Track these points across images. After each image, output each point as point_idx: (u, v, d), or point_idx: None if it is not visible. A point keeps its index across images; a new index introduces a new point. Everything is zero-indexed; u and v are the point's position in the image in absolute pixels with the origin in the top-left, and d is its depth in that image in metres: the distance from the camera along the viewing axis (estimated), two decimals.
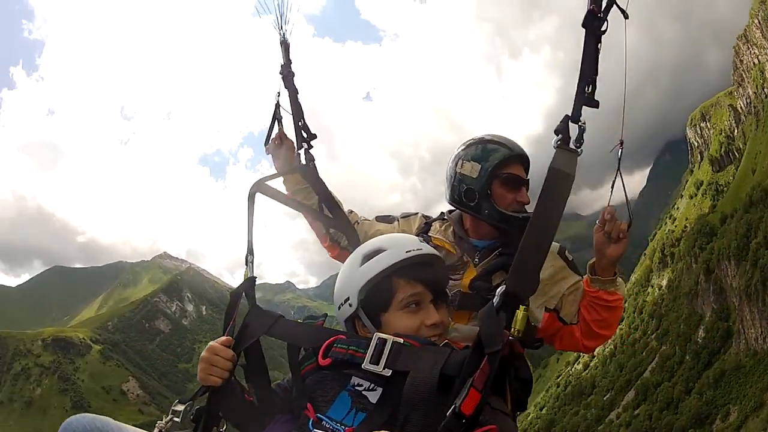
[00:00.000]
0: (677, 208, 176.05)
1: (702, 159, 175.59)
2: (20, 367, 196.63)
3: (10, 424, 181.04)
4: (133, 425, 1.89)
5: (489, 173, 2.50)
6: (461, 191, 2.58)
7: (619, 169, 1.94)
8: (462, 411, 1.40)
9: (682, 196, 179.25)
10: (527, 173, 2.62)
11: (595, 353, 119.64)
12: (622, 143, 1.92)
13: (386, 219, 2.92)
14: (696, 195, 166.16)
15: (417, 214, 2.89)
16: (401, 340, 1.64)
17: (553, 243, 1.93)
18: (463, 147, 2.62)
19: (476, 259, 2.54)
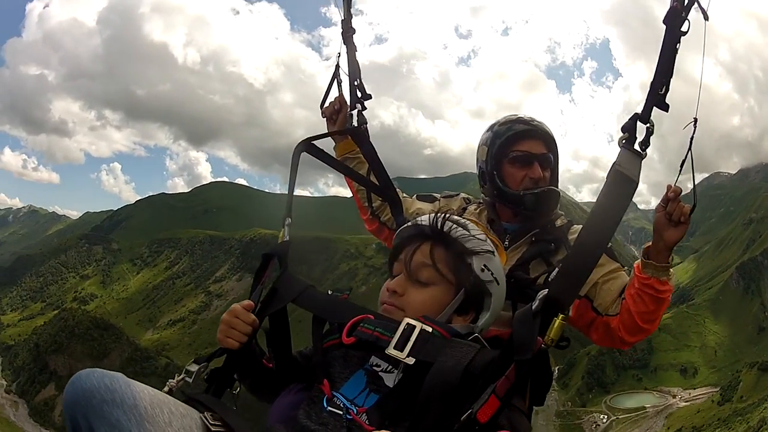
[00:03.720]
0: None
1: None
2: (347, 267, 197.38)
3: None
4: None
5: (495, 154, 2.55)
6: (478, 175, 2.67)
7: (690, 148, 1.79)
8: (477, 418, 1.36)
9: None
10: (549, 148, 2.57)
11: None
12: (695, 121, 1.78)
13: (427, 198, 2.93)
14: None
15: (459, 194, 2.92)
16: (430, 329, 1.58)
17: None
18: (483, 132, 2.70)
19: (506, 243, 2.54)
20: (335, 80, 2.87)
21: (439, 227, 1.82)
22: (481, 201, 2.78)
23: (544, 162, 2.54)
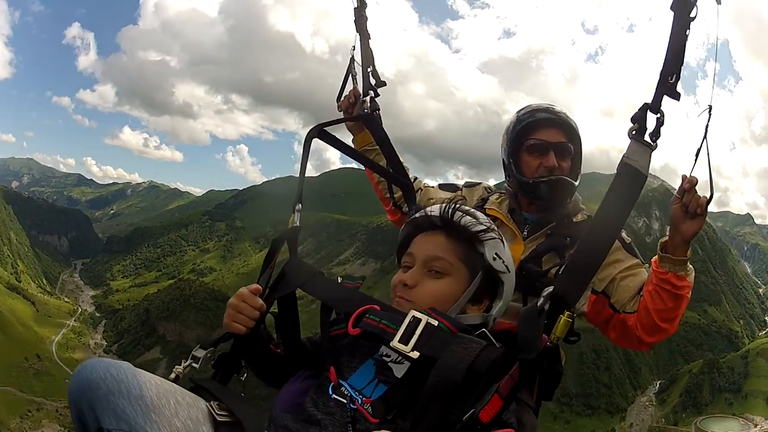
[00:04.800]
0: None
1: None
2: None
3: None
4: None
5: (512, 142, 2.50)
6: (502, 164, 2.64)
7: (705, 136, 1.74)
8: (479, 418, 1.34)
9: None
10: (569, 138, 2.47)
11: None
12: (710, 108, 1.75)
13: (450, 187, 2.92)
14: None
15: (480, 184, 2.89)
16: (436, 323, 1.53)
17: None
18: None
19: (525, 233, 2.50)
20: (350, 74, 2.87)
21: (449, 217, 1.76)
22: (504, 191, 2.69)
23: (562, 151, 2.43)
